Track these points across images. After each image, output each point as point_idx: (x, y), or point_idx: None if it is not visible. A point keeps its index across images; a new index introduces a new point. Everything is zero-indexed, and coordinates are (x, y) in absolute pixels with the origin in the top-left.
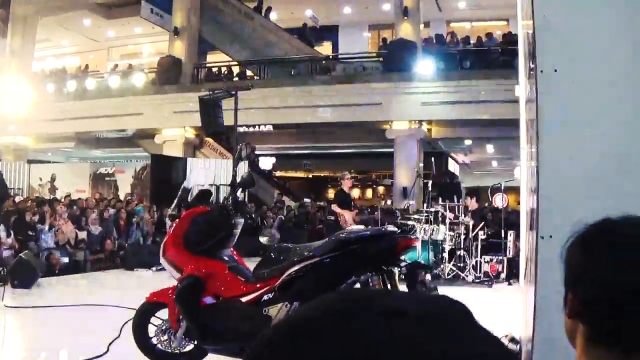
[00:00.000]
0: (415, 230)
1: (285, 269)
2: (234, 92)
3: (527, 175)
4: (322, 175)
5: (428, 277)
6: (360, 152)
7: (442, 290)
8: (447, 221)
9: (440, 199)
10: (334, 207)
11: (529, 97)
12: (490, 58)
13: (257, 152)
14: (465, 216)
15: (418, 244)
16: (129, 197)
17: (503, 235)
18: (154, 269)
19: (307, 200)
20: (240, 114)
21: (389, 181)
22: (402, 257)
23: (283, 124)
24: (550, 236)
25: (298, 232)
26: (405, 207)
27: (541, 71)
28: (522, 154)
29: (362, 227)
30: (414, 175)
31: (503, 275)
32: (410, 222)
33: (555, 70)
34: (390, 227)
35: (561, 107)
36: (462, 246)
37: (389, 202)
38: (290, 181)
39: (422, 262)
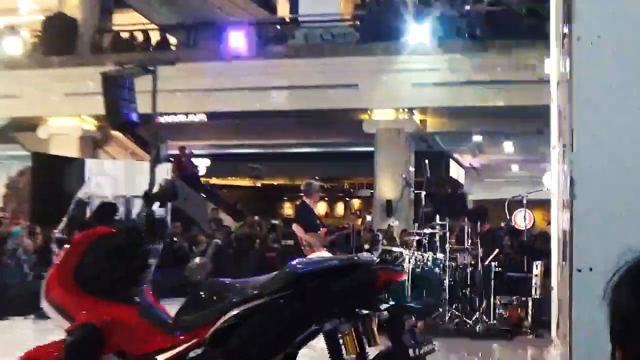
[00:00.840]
0: (403, 260)
1: (219, 314)
2: (151, 68)
3: (560, 184)
4: (275, 184)
5: (420, 325)
6: (328, 152)
7: (441, 344)
8: (448, 247)
9: (437, 216)
10: (295, 228)
11: (562, 75)
12: (509, 23)
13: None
14: (473, 241)
15: (406, 279)
16: (1, 214)
17: (526, 268)
18: (32, 316)
19: (254, 218)
20: (161, 98)
21: (368, 192)
22: (384, 298)
23: (220, 112)
24: (590, 269)
25: (240, 262)
26: (390, 227)
27: (578, 38)
28: (552, 155)
29: (328, 254)
30: (401, 184)
31: (527, 324)
32: (395, 249)
33: (599, 37)
34: (367, 256)
35: (603, 88)
36: (468, 282)
37: (367, 220)
38: (232, 192)
39: (412, 304)
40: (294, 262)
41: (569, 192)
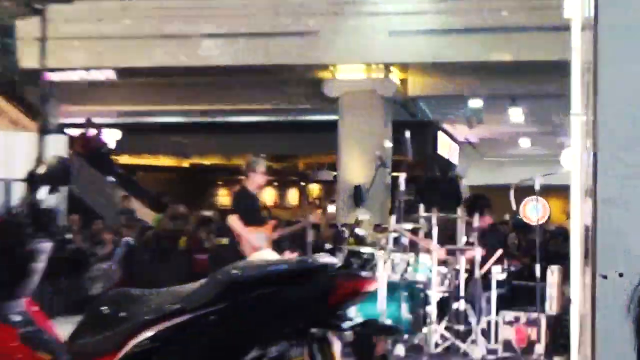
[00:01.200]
0: (375, 264)
1: (127, 336)
2: (39, 7)
3: (583, 164)
4: (207, 164)
5: (400, 349)
6: (278, 122)
7: None
8: (435, 248)
9: (422, 207)
10: (232, 221)
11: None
12: None
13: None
14: (468, 239)
15: (378, 289)
16: None
17: (539, 274)
18: None
19: (178, 209)
20: (53, 48)
21: (330, 175)
22: (348, 313)
23: (134, 68)
24: (621, 274)
25: (160, 268)
26: (358, 221)
27: None
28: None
29: (275, 256)
30: (374, 165)
31: (539, 349)
32: (365, 249)
33: None
34: (326, 258)
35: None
36: (462, 294)
37: (329, 211)
38: (149, 174)
39: (386, 322)
40: (229, 267)
41: (592, 175)
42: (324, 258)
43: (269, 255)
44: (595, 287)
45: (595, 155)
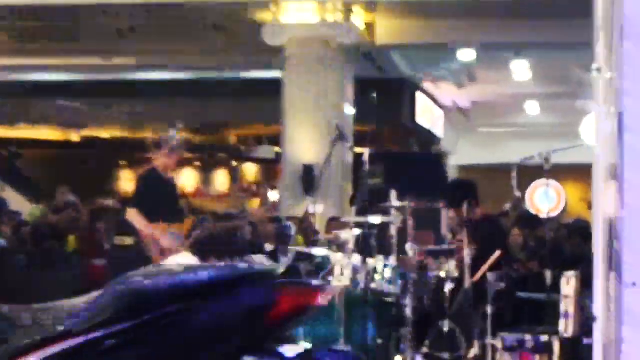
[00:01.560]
0: (331, 271)
1: None
2: None
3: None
4: (105, 137)
5: None
6: (201, 80)
7: None
8: (412, 249)
9: (393, 194)
10: (130, 216)
11: None
12: None
13: None
14: (457, 236)
15: (335, 304)
16: None
17: (549, 282)
18: None
19: (67, 198)
20: None
21: (271, 152)
22: (292, 336)
23: None
24: None
25: (41, 276)
26: (308, 214)
27: None
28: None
29: (193, 261)
30: (329, 138)
31: None
32: (317, 251)
33: None
34: (264, 262)
35: None
36: (448, 310)
37: (270, 199)
38: (26, 151)
39: (344, 348)
40: (133, 274)
41: (617, 152)
42: (261, 263)
43: (185, 260)
44: (621, 299)
45: (620, 121)
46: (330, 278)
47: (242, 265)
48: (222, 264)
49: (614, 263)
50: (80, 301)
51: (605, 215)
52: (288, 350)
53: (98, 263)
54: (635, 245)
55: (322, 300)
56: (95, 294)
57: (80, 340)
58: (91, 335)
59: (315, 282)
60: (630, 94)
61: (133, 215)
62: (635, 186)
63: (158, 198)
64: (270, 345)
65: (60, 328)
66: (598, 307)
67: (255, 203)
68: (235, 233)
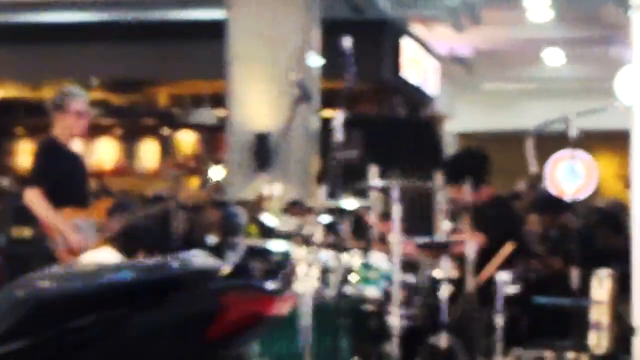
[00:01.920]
0: (292, 270)
1: None
2: None
3: None
4: None
5: None
6: (122, 23)
7: None
8: (397, 241)
9: (373, 170)
10: (30, 198)
11: None
12: None
13: None
14: (455, 225)
15: (301, 312)
16: None
17: (576, 284)
18: None
19: None
20: None
21: (212, 116)
22: (242, 353)
23: None
24: None
25: None
26: (262, 197)
27: None
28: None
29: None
30: (289, 97)
31: None
32: (275, 245)
33: None
34: (204, 260)
35: None
36: (447, 320)
37: (213, 177)
38: None
39: None
40: (33, 278)
41: None
42: (201, 260)
43: (107, 256)
44: None
45: None
46: (292, 280)
47: (176, 263)
48: (150, 262)
49: None
50: None
51: None
52: None
53: None
54: None
55: (280, 308)
56: None
57: None
58: None
59: (271, 285)
60: None
61: (33, 198)
62: None
63: (59, 176)
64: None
65: None
66: (638, 315)
67: (194, 182)
68: (168, 222)
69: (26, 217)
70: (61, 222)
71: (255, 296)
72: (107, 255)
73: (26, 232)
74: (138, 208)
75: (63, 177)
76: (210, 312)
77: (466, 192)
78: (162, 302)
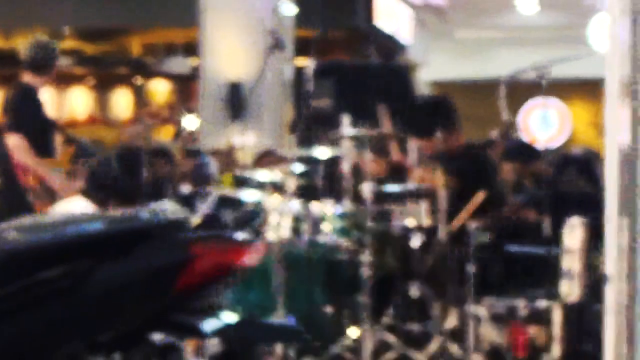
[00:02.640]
0: (264, 219)
1: None
2: None
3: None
4: None
5: None
6: None
7: None
8: (369, 190)
9: (345, 119)
10: (17, 146)
11: None
12: None
13: None
14: (426, 174)
15: (271, 261)
16: None
17: (551, 235)
18: None
19: None
20: None
21: (185, 64)
22: (211, 305)
23: None
24: None
25: None
26: (233, 149)
27: None
28: None
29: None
30: (261, 46)
31: (551, 359)
32: (247, 194)
33: None
34: (172, 208)
35: None
36: (416, 268)
37: (185, 130)
38: None
39: (281, 320)
40: (0, 226)
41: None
42: (170, 209)
43: (78, 207)
44: (635, 254)
45: (636, 22)
46: (264, 230)
47: (145, 214)
48: (120, 212)
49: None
50: None
51: (620, 144)
52: (206, 324)
53: None
54: None
55: (250, 258)
56: None
57: None
58: None
59: (240, 235)
60: None
61: (19, 145)
62: None
63: (36, 125)
64: (183, 318)
65: None
66: (610, 263)
67: (167, 132)
68: (138, 170)
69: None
70: (46, 170)
71: (224, 246)
72: (79, 205)
73: None
74: (100, 154)
75: (39, 126)
76: (179, 263)
77: (438, 140)
78: (130, 253)
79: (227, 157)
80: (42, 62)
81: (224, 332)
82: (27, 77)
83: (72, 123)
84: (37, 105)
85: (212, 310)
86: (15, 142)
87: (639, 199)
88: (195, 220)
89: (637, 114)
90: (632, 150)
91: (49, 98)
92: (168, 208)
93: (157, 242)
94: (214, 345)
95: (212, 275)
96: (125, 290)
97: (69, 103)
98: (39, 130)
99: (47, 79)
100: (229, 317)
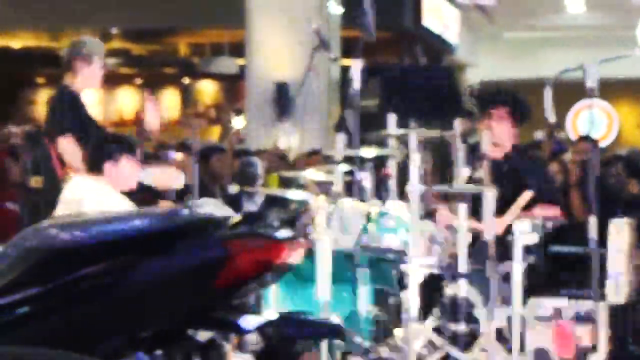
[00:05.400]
0: (310, 220)
1: None
2: None
3: None
4: (15, 47)
5: None
6: None
7: None
8: (417, 190)
9: (392, 118)
10: (66, 147)
11: None
12: None
13: None
14: (473, 173)
15: (317, 260)
16: None
17: (595, 235)
18: None
19: None
20: None
21: (233, 65)
22: (252, 302)
23: None
24: None
25: None
26: (277, 149)
27: None
28: None
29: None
30: (308, 47)
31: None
32: (294, 194)
33: None
34: (214, 208)
35: None
36: (459, 268)
37: (234, 128)
38: None
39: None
40: (45, 226)
41: None
42: (209, 209)
43: (120, 204)
44: None
45: None
46: (310, 228)
47: (185, 212)
48: (160, 210)
49: None
50: None
51: None
52: (247, 321)
53: (8, 208)
54: None
55: (290, 256)
56: None
57: None
58: None
59: (283, 233)
60: None
61: (68, 147)
62: None
63: (82, 127)
64: (223, 315)
65: None
66: None
67: (215, 132)
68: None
69: (41, 164)
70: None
71: (263, 244)
72: (124, 204)
73: (38, 181)
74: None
75: (84, 128)
76: (217, 260)
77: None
78: (170, 250)
79: (274, 157)
80: (82, 58)
81: (264, 329)
82: (73, 78)
83: (120, 122)
84: (82, 106)
85: (252, 307)
86: (63, 145)
87: None
88: (236, 218)
89: None
90: None
91: (96, 98)
92: (207, 206)
93: (195, 239)
94: (254, 341)
95: (252, 273)
96: (166, 287)
97: (117, 103)
98: (82, 132)
99: (93, 77)
100: (269, 313)
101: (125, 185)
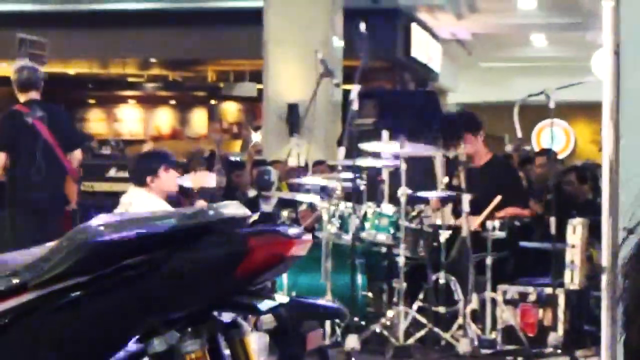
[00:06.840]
0: (318, 218)
1: None
2: None
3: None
4: (71, 73)
5: (353, 341)
6: (176, 11)
7: None
8: (403, 193)
9: (385, 134)
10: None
11: None
12: None
13: None
14: (452, 181)
15: (323, 252)
16: None
17: (557, 232)
18: None
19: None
20: None
21: (252, 88)
22: (267, 288)
23: None
24: None
25: None
26: (292, 155)
27: None
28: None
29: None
30: (315, 73)
31: (555, 338)
32: (302, 197)
33: None
34: (233, 208)
35: None
36: (443, 259)
37: (253, 141)
38: None
39: (327, 301)
40: (92, 222)
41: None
42: (232, 210)
43: (155, 206)
44: (618, 247)
45: (617, 55)
46: (315, 226)
47: (211, 212)
48: (190, 210)
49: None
50: (35, 252)
51: (612, 157)
52: (262, 303)
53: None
54: (633, 186)
55: (299, 250)
56: (52, 244)
57: (34, 294)
58: (45, 290)
59: (292, 229)
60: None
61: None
62: (633, 119)
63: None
64: (243, 299)
65: (16, 281)
66: (605, 256)
67: (237, 145)
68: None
69: (95, 172)
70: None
71: (277, 239)
72: (159, 206)
73: (93, 187)
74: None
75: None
76: (238, 253)
77: (461, 152)
78: (198, 244)
79: (285, 167)
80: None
81: (276, 310)
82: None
83: (158, 137)
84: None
85: (267, 292)
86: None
87: (619, 202)
88: (254, 217)
89: (617, 132)
90: (615, 162)
91: (138, 116)
92: (230, 207)
93: (220, 235)
94: (269, 321)
95: (267, 264)
96: (194, 275)
97: (155, 121)
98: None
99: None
100: (282, 298)
101: (167, 190)
